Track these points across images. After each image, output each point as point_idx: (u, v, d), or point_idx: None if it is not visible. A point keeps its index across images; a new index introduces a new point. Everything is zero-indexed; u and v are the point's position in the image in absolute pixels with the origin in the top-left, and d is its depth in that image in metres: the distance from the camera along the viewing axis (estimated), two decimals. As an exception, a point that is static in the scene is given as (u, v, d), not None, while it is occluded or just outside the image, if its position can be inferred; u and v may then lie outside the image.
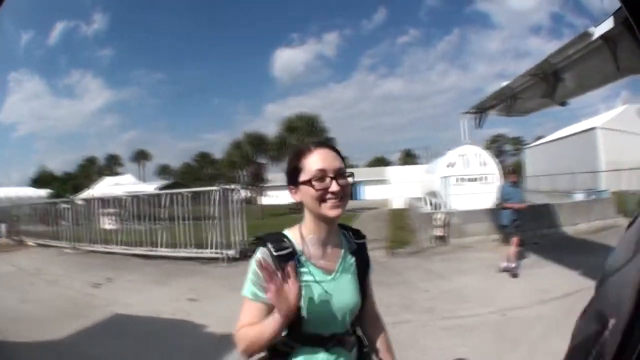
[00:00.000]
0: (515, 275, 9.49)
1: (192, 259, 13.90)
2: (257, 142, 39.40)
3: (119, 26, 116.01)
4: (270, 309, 1.77)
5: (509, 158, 76.59)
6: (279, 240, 1.93)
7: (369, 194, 55.65)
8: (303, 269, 1.87)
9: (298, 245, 1.91)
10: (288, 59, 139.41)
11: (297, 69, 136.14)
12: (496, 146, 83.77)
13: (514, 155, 76.83)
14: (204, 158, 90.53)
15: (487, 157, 18.99)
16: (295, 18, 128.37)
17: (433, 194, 18.69)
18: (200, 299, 9.12)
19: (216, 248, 13.76)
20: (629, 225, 2.94)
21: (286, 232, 2.02)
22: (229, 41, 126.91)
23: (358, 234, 2.17)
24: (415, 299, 8.12)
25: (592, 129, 43.27)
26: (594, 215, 16.69)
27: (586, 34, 6.67)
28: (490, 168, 18.70)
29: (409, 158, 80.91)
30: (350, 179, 1.91)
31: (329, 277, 1.91)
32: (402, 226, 20.44)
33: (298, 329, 1.89)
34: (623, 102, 36.12)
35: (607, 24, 6.32)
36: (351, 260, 2.02)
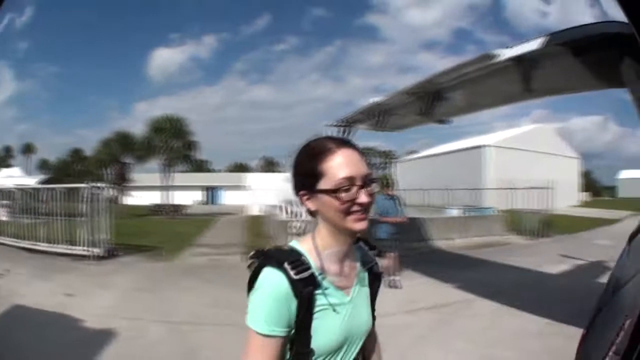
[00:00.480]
0: (397, 287, 9.77)
1: (66, 255, 13.73)
2: (124, 142, 39.66)
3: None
4: (286, 342, 1.51)
5: (378, 171, 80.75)
6: (295, 258, 1.55)
7: (228, 199, 56.69)
8: (318, 292, 1.54)
9: (313, 262, 1.56)
10: (165, 59, 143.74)
11: (170, 69, 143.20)
12: (364, 159, 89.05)
13: (383, 169, 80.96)
14: (76, 154, 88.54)
15: None
16: (178, 19, 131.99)
17: (290, 202, 18.61)
18: (76, 295, 9.07)
19: (85, 245, 13.76)
20: (633, 237, 2.77)
21: (295, 245, 1.65)
22: (114, 37, 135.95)
23: (369, 245, 1.87)
24: None
25: (480, 146, 46.19)
26: (473, 232, 17.76)
27: (488, 56, 6.75)
28: None
29: (269, 165, 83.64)
30: (375, 186, 1.62)
31: (347, 299, 1.63)
32: (259, 233, 21.02)
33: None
34: (533, 121, 38.55)
35: (533, 45, 6.29)
36: (364, 275, 1.75)
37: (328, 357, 1.58)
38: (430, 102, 8.95)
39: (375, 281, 1.78)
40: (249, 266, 1.62)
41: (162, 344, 6.41)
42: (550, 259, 13.65)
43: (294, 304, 1.49)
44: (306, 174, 1.59)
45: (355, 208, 1.52)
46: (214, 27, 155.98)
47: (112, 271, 11.74)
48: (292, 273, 1.49)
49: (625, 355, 2.13)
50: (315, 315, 1.52)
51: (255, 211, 34.53)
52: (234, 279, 9.18)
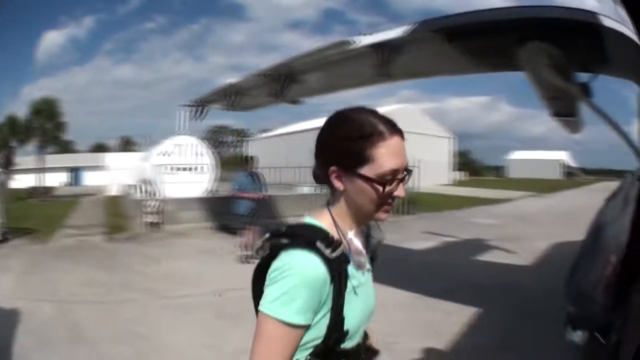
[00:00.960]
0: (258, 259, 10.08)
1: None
2: (12, 126, 40.31)
3: None
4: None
5: (230, 149, 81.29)
6: (325, 235, 1.42)
7: (89, 180, 54.64)
8: (349, 271, 1.45)
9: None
10: (49, 41, 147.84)
11: (53, 50, 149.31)
12: (217, 137, 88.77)
13: (236, 147, 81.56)
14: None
15: (202, 147, 20.34)
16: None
17: (146, 181, 19.13)
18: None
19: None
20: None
21: (315, 222, 1.52)
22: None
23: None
24: (135, 281, 8.77)
25: None
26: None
27: (344, 42, 6.90)
28: (205, 159, 20.08)
29: (128, 145, 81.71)
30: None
31: (364, 279, 1.55)
32: (118, 213, 21.07)
33: (331, 346, 1.46)
34: (398, 102, 39.68)
35: (393, 33, 6.55)
36: (368, 254, 1.66)
37: (352, 338, 1.51)
38: (284, 84, 9.08)
39: (373, 261, 1.72)
40: (261, 248, 1.51)
41: (51, 322, 6.45)
42: (414, 235, 14.41)
43: (327, 286, 1.39)
44: (348, 153, 1.46)
45: (389, 200, 1.49)
46: (93, 8, 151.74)
47: (5, 255, 11.42)
48: (327, 252, 1.38)
49: (614, 284, 2.90)
50: (345, 297, 1.43)
51: (113, 191, 34.86)
52: (99, 260, 10.77)
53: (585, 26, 5.51)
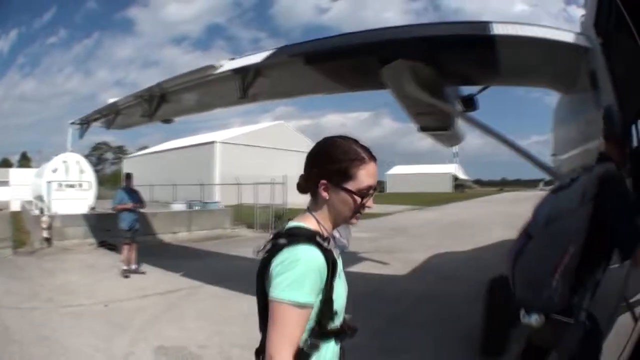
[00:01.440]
0: (140, 273, 11.05)
1: None
2: None
3: None
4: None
5: (110, 166, 79.82)
6: (318, 233, 1.80)
7: None
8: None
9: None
10: None
11: None
12: (98, 154, 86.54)
13: (114, 164, 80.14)
14: None
15: (85, 164, 20.16)
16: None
17: (40, 197, 19.45)
18: None
19: None
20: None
21: (302, 224, 1.86)
22: None
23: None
24: (40, 291, 9.34)
25: (211, 142, 46.68)
26: (198, 225, 19.34)
27: (211, 67, 7.32)
28: (87, 175, 19.85)
29: (25, 160, 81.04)
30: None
31: (341, 266, 1.93)
32: (20, 228, 21.32)
33: (325, 324, 1.80)
34: (276, 119, 39.90)
35: (259, 57, 7.00)
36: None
37: (338, 318, 1.82)
38: (157, 105, 9.38)
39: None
40: (261, 250, 1.80)
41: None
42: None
43: (325, 272, 1.71)
44: (337, 171, 1.82)
45: (361, 209, 1.85)
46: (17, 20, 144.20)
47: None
48: (324, 245, 1.72)
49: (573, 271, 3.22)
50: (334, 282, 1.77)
51: (15, 207, 34.06)
52: (12, 272, 11.48)
53: (469, 39, 6.04)
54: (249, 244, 15.61)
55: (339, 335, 1.84)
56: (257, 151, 47.09)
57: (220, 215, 21.06)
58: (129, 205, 10.88)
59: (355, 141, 1.94)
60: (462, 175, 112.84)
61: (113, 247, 13.64)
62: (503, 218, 25.09)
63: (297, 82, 7.98)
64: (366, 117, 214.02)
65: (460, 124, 9.80)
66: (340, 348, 1.93)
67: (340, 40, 6.61)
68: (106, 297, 8.84)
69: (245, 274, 9.11)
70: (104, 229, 14.79)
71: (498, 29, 5.84)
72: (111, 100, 11.04)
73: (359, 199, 1.82)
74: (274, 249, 1.75)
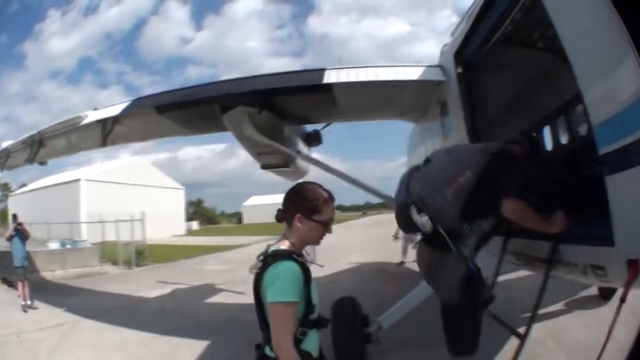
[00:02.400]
0: (34, 308, 11.57)
1: None
2: None
3: None
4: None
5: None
6: (293, 253, 2.66)
7: None
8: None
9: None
10: None
11: None
12: None
13: (1, 201, 75.07)
14: None
15: None
16: None
17: None
18: None
19: None
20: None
21: (281, 247, 2.73)
22: None
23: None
24: None
25: (76, 180, 44.90)
26: (71, 263, 18.87)
27: (78, 117, 7.99)
28: None
29: None
30: None
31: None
32: None
33: (308, 316, 2.64)
34: (134, 153, 38.79)
35: (116, 109, 7.78)
36: None
37: (315, 312, 2.70)
38: (36, 149, 9.66)
39: None
40: (258, 263, 2.68)
41: None
42: (148, 285, 15.23)
43: (302, 279, 2.57)
44: (309, 208, 2.74)
45: (324, 235, 2.84)
46: None
47: None
48: (299, 259, 2.62)
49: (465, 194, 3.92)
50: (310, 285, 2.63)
51: None
52: None
53: (304, 88, 6.97)
54: (114, 280, 16.65)
55: (318, 324, 2.72)
56: (118, 188, 45.84)
57: (89, 253, 20.81)
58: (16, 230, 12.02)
59: (320, 186, 2.93)
60: None
61: (11, 284, 14.06)
62: (362, 240, 26.61)
63: (151, 128, 8.81)
64: (222, 149, 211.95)
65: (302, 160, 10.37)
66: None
67: (185, 93, 7.62)
68: (17, 328, 9.70)
69: (112, 309, 10.68)
70: (2, 266, 14.80)
71: (332, 77, 6.76)
72: (4, 145, 11.25)
73: (324, 228, 2.80)
74: (264, 267, 2.59)
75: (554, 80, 5.89)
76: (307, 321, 2.62)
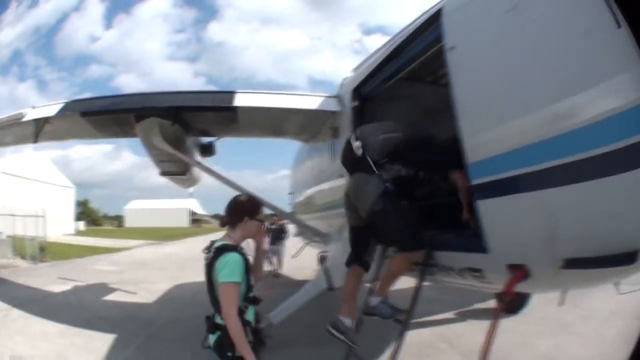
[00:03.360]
0: None
1: None
2: None
3: None
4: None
5: None
6: (237, 246, 3.76)
7: None
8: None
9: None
10: None
11: None
12: None
13: None
14: None
15: None
16: None
17: None
18: None
19: None
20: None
21: (227, 242, 3.76)
22: None
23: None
24: None
25: None
26: None
27: (20, 114, 8.15)
28: None
29: None
30: None
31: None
32: None
33: (248, 294, 3.73)
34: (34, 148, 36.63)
35: (51, 109, 7.96)
36: None
37: (252, 291, 3.78)
38: None
39: None
40: (210, 254, 3.67)
41: None
42: (52, 281, 15.51)
43: (243, 265, 3.60)
44: (251, 211, 3.87)
45: (260, 229, 3.96)
46: None
47: None
48: (242, 251, 3.70)
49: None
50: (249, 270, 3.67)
51: None
52: None
53: (212, 108, 7.85)
54: (25, 273, 17.52)
55: (255, 301, 3.82)
56: (23, 182, 43.19)
57: (5, 245, 20.71)
58: None
59: (253, 195, 4.37)
60: (199, 211, 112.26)
61: None
62: None
63: (72, 130, 9.15)
64: (109, 150, 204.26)
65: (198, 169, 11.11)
66: (255, 311, 3.82)
67: (113, 100, 8.25)
68: None
69: (31, 300, 11.92)
70: None
71: (241, 100, 7.56)
72: None
73: (260, 224, 3.95)
74: (215, 256, 3.62)
75: (435, 116, 6.57)
76: (247, 298, 3.71)
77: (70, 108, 8.00)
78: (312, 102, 7.93)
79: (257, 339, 3.75)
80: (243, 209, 3.89)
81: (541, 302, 8.87)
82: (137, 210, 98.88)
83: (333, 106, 7.66)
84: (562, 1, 3.35)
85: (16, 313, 10.37)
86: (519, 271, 3.90)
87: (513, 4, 3.57)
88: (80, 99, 8.44)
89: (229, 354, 3.57)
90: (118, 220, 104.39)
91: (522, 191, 3.63)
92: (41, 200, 35.57)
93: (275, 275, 17.13)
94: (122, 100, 8.18)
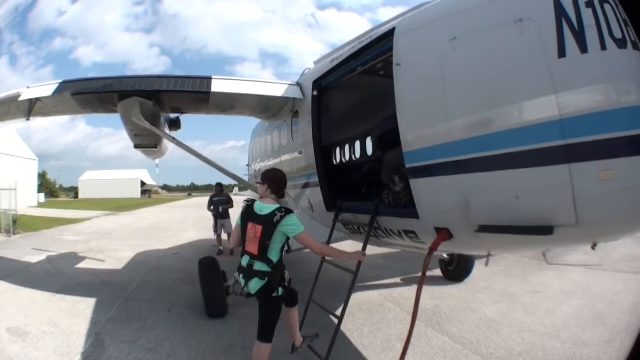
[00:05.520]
0: None
1: None
2: None
3: None
4: None
5: None
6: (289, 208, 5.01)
7: None
8: None
9: None
10: None
11: None
12: None
13: None
14: None
15: None
16: None
17: None
18: None
19: None
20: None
21: (279, 205, 5.04)
22: None
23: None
24: None
25: None
26: None
27: (17, 94, 8.45)
28: None
29: None
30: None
31: None
32: None
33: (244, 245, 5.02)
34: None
35: (48, 89, 8.47)
36: None
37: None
38: None
39: None
40: (282, 213, 4.85)
41: None
42: (27, 252, 15.93)
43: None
44: (285, 183, 5.33)
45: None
46: None
47: None
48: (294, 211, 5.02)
49: None
50: None
51: None
52: None
53: (195, 92, 8.55)
54: (4, 246, 17.50)
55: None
56: None
57: None
58: None
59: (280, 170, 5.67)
60: (149, 181, 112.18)
61: None
62: (194, 221, 28.31)
63: (59, 107, 9.61)
64: (65, 121, 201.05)
65: (165, 142, 12.08)
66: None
67: (105, 83, 8.73)
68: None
69: (14, 272, 12.34)
70: None
71: (216, 86, 8.33)
72: None
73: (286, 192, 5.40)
74: (284, 215, 4.83)
75: (379, 102, 7.81)
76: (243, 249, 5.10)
77: (65, 89, 8.48)
78: (277, 89, 8.77)
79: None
80: (283, 180, 5.34)
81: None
82: (91, 181, 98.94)
83: (295, 93, 8.56)
84: (487, 40, 4.26)
85: (2, 285, 10.59)
86: (444, 232, 4.90)
87: (453, 36, 4.47)
88: (72, 80, 8.67)
89: (275, 294, 4.83)
90: (74, 191, 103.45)
91: (443, 174, 4.67)
92: (9, 174, 34.86)
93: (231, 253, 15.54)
94: (113, 83, 8.66)
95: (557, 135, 3.69)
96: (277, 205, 4.98)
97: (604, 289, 8.92)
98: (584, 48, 3.64)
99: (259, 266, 4.82)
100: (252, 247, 4.88)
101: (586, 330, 6.72)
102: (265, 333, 4.89)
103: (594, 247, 4.33)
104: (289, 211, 4.88)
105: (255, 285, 4.83)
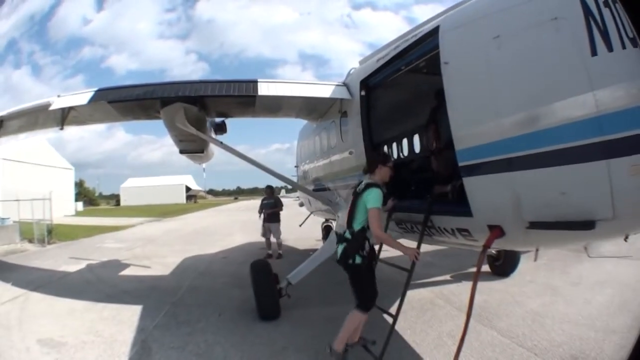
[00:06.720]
0: None
1: None
2: None
3: None
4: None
5: None
6: (378, 184, 5.51)
7: None
8: None
9: None
10: None
11: None
12: None
13: None
14: None
15: None
16: None
17: None
18: None
19: None
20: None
21: (372, 181, 5.59)
22: None
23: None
24: None
25: None
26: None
27: (47, 104, 8.20)
28: None
29: None
30: None
31: None
32: None
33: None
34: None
35: (83, 98, 8.15)
36: None
37: None
38: None
39: None
40: (361, 187, 5.48)
41: None
42: (64, 261, 15.33)
43: (382, 197, 5.35)
44: (383, 160, 5.82)
45: (391, 175, 5.85)
46: None
47: None
48: (382, 187, 5.47)
49: None
50: None
51: None
52: None
53: (237, 96, 8.36)
54: (35, 257, 16.80)
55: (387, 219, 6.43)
56: (29, 167, 42.43)
57: (12, 230, 20.30)
58: None
59: (384, 152, 8.03)
60: (194, 186, 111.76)
61: None
62: (241, 225, 27.31)
63: (95, 115, 9.37)
64: (102, 130, 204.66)
65: (212, 146, 11.61)
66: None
67: (146, 89, 8.38)
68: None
69: (48, 282, 11.54)
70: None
71: (262, 89, 8.07)
72: None
73: (390, 169, 5.78)
74: (366, 188, 5.36)
75: (428, 101, 7.62)
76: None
77: (102, 97, 8.20)
78: (324, 90, 8.57)
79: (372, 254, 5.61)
80: (377, 160, 5.80)
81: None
82: (133, 188, 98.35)
83: (343, 94, 8.37)
84: (528, 38, 4.28)
85: (36, 296, 10.17)
86: (496, 230, 4.85)
87: (497, 34, 4.49)
88: (108, 87, 8.43)
89: (350, 261, 5.29)
90: (114, 199, 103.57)
91: (495, 172, 4.63)
92: (44, 184, 34.68)
93: (278, 257, 14.50)
94: (155, 89, 8.39)
95: (596, 132, 3.76)
96: (367, 181, 5.55)
97: (631, 278, 9.19)
98: (609, 47, 3.72)
99: (345, 234, 5.45)
100: (347, 217, 5.54)
101: (614, 318, 6.83)
102: (358, 301, 5.42)
103: (626, 238, 4.39)
104: (375, 185, 5.41)
105: (338, 251, 5.50)
